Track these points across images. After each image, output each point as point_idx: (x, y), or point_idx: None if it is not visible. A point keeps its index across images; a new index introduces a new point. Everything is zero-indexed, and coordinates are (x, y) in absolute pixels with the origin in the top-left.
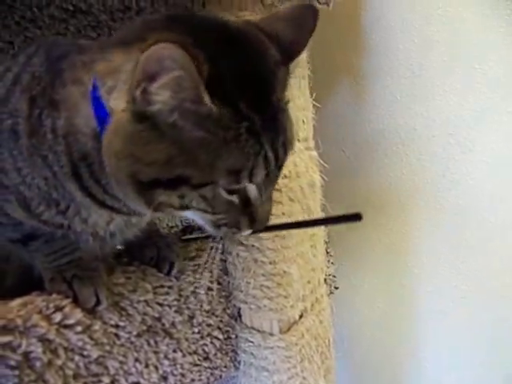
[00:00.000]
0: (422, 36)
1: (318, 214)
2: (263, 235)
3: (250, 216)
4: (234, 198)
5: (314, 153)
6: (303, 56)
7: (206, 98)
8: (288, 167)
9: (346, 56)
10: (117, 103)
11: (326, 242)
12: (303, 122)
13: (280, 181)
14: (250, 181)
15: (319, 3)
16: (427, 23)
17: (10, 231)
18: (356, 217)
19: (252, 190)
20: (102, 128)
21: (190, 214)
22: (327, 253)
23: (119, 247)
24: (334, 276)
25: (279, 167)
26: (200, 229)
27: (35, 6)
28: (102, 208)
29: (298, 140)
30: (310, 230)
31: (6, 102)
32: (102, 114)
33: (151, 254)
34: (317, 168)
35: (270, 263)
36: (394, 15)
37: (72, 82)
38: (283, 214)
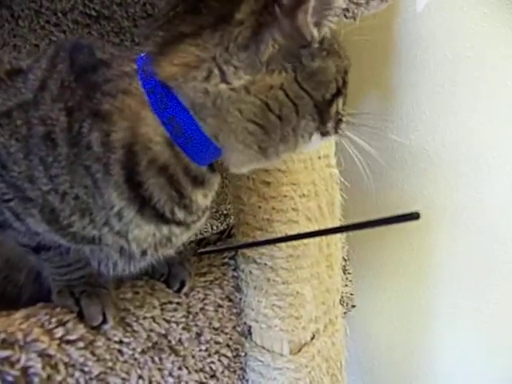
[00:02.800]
0: (453, 51)
1: (337, 235)
2: (277, 254)
3: None
4: None
5: (335, 170)
6: None
7: None
8: (307, 186)
9: (376, 69)
10: (242, 76)
11: (345, 260)
12: None
13: (297, 199)
14: None
15: (345, 17)
16: (459, 38)
17: (27, 239)
18: (413, 216)
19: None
20: (172, 133)
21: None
22: (345, 271)
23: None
24: (352, 294)
25: None
26: (215, 243)
27: (60, 11)
28: (152, 221)
29: (319, 157)
30: (326, 250)
31: (35, 107)
32: (174, 114)
33: (162, 270)
34: (337, 186)
35: (283, 283)
36: (425, 29)
37: (122, 92)
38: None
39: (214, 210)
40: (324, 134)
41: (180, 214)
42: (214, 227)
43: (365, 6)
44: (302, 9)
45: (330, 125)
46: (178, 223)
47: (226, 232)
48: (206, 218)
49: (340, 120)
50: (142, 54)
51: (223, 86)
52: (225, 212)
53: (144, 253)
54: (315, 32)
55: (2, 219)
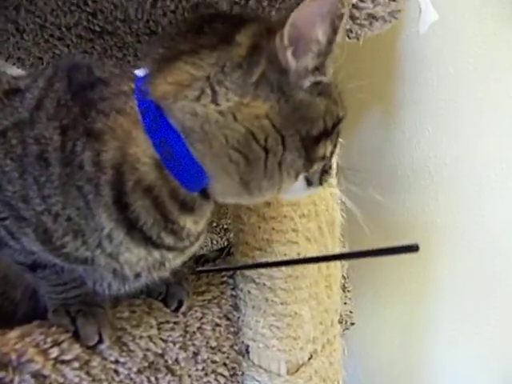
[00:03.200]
0: (456, 68)
1: None
2: (275, 274)
3: None
4: None
5: (336, 190)
6: None
7: None
8: (307, 206)
9: (379, 85)
10: (231, 98)
11: (345, 278)
12: None
13: (297, 220)
14: None
15: (349, 38)
16: (462, 55)
17: (22, 257)
18: (412, 248)
19: None
20: (162, 155)
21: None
22: (345, 289)
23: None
24: (351, 312)
25: None
26: (214, 260)
27: (64, 25)
28: (141, 244)
29: None
30: (325, 271)
31: (31, 126)
32: (165, 137)
33: (160, 289)
34: (338, 206)
35: (282, 304)
36: (429, 45)
37: (116, 111)
38: (298, 254)
39: (215, 224)
40: (309, 182)
41: (168, 239)
42: (214, 241)
43: (368, 27)
44: (279, 33)
45: (316, 168)
46: (169, 248)
47: (226, 250)
48: (202, 240)
49: (326, 171)
50: (141, 73)
51: (212, 108)
52: (225, 226)
53: (138, 275)
54: (290, 58)
55: None
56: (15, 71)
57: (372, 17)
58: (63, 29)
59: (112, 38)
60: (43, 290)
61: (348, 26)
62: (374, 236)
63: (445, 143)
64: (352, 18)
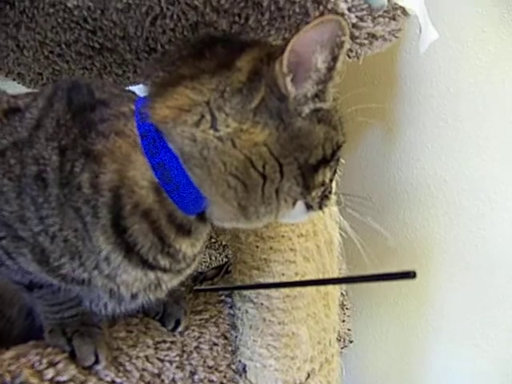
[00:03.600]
0: (457, 86)
1: (335, 274)
2: (273, 294)
3: None
4: None
5: (335, 209)
6: None
7: None
8: (305, 226)
9: (380, 102)
10: (230, 124)
11: (343, 295)
12: None
13: (295, 240)
14: None
15: (349, 57)
16: (463, 73)
17: (19, 277)
18: (409, 275)
19: None
20: (161, 179)
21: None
22: (343, 306)
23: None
24: (349, 329)
25: None
26: (212, 279)
27: (64, 42)
28: (138, 266)
29: None
30: (323, 290)
31: (30, 146)
32: (164, 160)
33: (157, 308)
34: (336, 225)
35: (279, 323)
36: (429, 62)
37: (115, 133)
38: (296, 274)
39: (213, 240)
40: (308, 206)
41: (164, 262)
42: (213, 257)
43: (368, 46)
44: (278, 59)
45: (315, 194)
46: (165, 270)
47: (224, 268)
48: (198, 261)
49: (326, 196)
50: (141, 92)
51: (211, 134)
52: (224, 243)
53: (134, 296)
54: (290, 86)
55: None
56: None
57: (372, 36)
58: (63, 45)
59: (111, 55)
60: (39, 309)
61: (348, 46)
62: (373, 252)
63: (444, 160)
64: (352, 37)
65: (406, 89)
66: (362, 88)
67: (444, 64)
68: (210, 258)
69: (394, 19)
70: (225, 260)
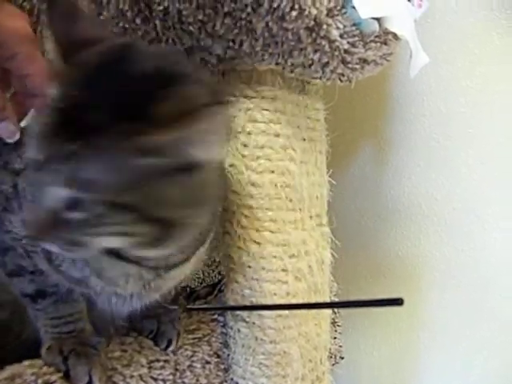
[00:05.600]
0: (447, 105)
1: (326, 293)
2: (265, 313)
3: None
4: None
5: (327, 229)
6: (321, 131)
7: None
8: (297, 246)
9: (371, 120)
10: None
11: (335, 313)
12: (317, 197)
13: (287, 260)
14: None
15: (340, 81)
16: (453, 93)
17: (27, 282)
18: (397, 301)
19: None
20: None
21: None
22: (334, 323)
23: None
24: (341, 346)
25: None
26: (205, 297)
27: None
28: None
29: (310, 217)
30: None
31: None
32: None
33: (151, 326)
34: (328, 245)
35: (271, 342)
36: (420, 83)
37: None
38: (288, 293)
39: (206, 256)
40: None
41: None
42: (206, 273)
43: (360, 70)
44: None
45: None
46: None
47: (218, 287)
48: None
49: None
50: None
51: None
52: (217, 259)
53: (132, 296)
54: None
55: (11, 268)
56: None
57: (364, 61)
58: None
59: None
60: (40, 323)
61: (340, 70)
62: (364, 271)
63: (435, 179)
64: (343, 62)
65: (398, 108)
66: (353, 109)
67: (435, 84)
68: (203, 274)
69: (385, 44)
70: (218, 277)
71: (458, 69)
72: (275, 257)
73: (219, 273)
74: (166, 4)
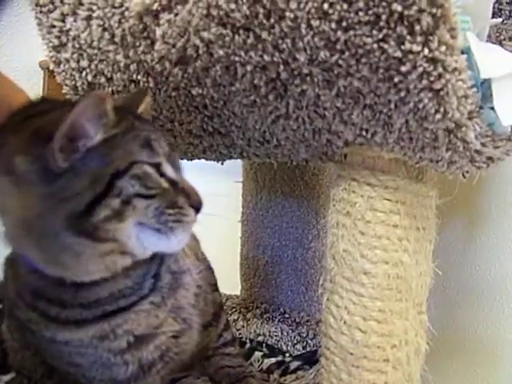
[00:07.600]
0: None
1: (418, 382)
2: None
3: (183, 192)
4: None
5: (425, 317)
6: (433, 219)
7: None
8: (399, 336)
9: (464, 195)
10: None
11: None
12: (421, 287)
13: (389, 351)
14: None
15: (464, 177)
16: None
17: None
18: None
19: (168, 168)
20: None
21: (136, 218)
22: None
23: None
24: None
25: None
26: (295, 372)
27: (177, 120)
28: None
29: (414, 306)
30: None
31: None
32: None
33: None
34: (425, 333)
35: None
36: None
37: None
38: (385, 383)
39: (287, 315)
40: None
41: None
42: (285, 333)
43: (485, 168)
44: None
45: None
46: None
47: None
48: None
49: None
50: None
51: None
52: (297, 320)
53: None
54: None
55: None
56: None
57: (490, 159)
58: (176, 123)
59: (222, 138)
60: None
61: (466, 168)
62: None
63: None
64: (472, 161)
65: (495, 188)
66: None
67: None
68: (282, 333)
69: (509, 140)
70: (297, 337)
71: None
72: (379, 347)
73: (299, 334)
74: (304, 87)
